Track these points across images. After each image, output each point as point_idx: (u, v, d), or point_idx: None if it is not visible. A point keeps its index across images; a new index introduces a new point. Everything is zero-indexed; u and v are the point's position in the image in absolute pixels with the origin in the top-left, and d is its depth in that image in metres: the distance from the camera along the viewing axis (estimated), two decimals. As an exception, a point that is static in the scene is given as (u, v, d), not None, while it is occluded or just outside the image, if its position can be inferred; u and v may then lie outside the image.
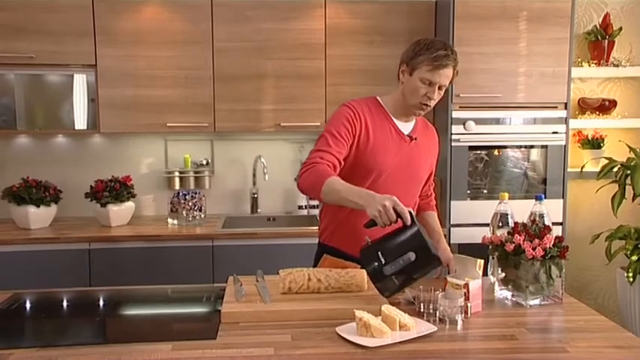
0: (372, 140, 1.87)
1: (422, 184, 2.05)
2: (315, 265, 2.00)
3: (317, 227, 2.09)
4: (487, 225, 1.97)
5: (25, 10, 2.96)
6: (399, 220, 1.59)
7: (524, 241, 1.69)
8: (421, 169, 2.00)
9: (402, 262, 1.57)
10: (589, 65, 3.40)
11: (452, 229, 3.07)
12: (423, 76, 1.81)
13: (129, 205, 3.14)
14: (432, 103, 1.86)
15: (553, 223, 1.82)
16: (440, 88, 1.84)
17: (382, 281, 1.60)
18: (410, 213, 1.60)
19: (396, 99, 1.94)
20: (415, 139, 1.95)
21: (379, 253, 1.60)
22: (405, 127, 1.96)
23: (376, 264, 1.59)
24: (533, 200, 1.88)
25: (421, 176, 2.02)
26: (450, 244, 2.93)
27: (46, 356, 1.35)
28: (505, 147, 3.09)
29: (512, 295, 1.76)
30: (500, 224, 1.90)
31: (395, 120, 1.94)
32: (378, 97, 1.98)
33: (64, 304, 1.84)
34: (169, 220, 3.20)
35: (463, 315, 1.56)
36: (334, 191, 1.68)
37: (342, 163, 1.84)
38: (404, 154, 1.92)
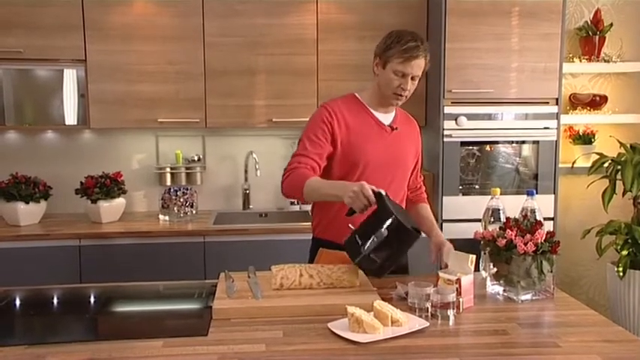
0: (354, 135, 1.92)
1: (409, 173, 2.08)
2: (310, 260, 2.00)
3: (309, 223, 2.10)
4: (479, 220, 1.98)
5: (13, 3, 2.93)
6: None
7: (515, 236, 1.69)
8: (406, 158, 2.04)
9: (377, 239, 1.62)
10: (580, 61, 3.41)
11: (444, 224, 3.07)
12: (395, 69, 1.86)
13: (120, 202, 3.11)
14: (407, 94, 1.91)
15: (544, 219, 1.84)
16: (413, 78, 1.88)
17: (364, 262, 1.65)
18: (379, 194, 1.63)
19: (372, 92, 1.99)
20: (396, 128, 2.00)
21: (356, 235, 1.65)
22: (385, 118, 2.00)
23: (355, 247, 1.64)
24: (525, 196, 1.89)
25: (407, 165, 2.06)
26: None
27: (34, 354, 1.34)
28: (497, 142, 3.10)
29: (504, 290, 1.77)
30: (492, 219, 1.91)
31: (374, 112, 1.99)
32: (355, 93, 2.03)
33: (54, 301, 1.83)
34: (160, 217, 3.18)
35: (455, 310, 1.56)
36: (314, 190, 1.76)
37: (324, 162, 1.90)
38: (387, 143, 1.97)
